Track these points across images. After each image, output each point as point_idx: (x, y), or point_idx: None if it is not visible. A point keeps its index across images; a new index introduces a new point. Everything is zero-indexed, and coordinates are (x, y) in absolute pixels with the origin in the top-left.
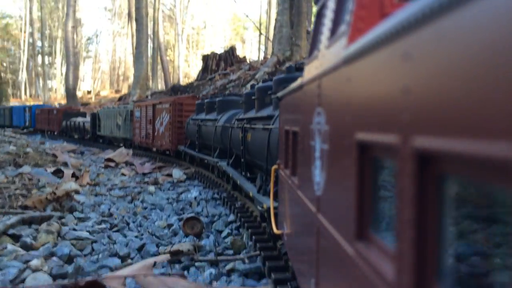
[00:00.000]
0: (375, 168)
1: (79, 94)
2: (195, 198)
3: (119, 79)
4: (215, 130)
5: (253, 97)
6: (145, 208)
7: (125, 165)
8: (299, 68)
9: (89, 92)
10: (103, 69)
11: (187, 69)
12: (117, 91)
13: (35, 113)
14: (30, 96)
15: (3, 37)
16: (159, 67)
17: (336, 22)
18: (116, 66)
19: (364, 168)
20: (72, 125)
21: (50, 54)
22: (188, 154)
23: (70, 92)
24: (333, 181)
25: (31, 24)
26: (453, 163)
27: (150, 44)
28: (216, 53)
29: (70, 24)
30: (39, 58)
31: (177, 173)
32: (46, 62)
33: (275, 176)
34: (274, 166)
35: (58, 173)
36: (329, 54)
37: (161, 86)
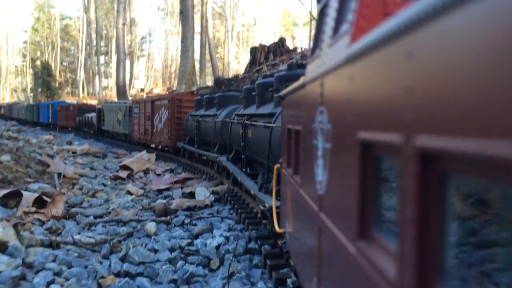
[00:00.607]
0: (377, 167)
1: (133, 92)
2: (218, 247)
3: (171, 77)
4: (214, 126)
5: (253, 93)
6: (121, 276)
7: (143, 174)
8: (301, 65)
9: (142, 90)
10: (156, 67)
11: (237, 66)
12: (168, 89)
13: (56, 109)
14: (88, 94)
15: (63, 38)
16: (209, 64)
17: (338, 21)
18: (168, 64)
19: (366, 167)
20: (84, 120)
21: (106, 53)
22: (188, 150)
23: (121, 89)
24: (335, 180)
25: (88, 24)
26: (456, 162)
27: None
28: (265, 45)
29: (120, 21)
30: (96, 57)
31: (202, 193)
32: (102, 61)
33: (277, 174)
34: (277, 165)
35: (14, 197)
36: (331, 53)
37: (211, 82)
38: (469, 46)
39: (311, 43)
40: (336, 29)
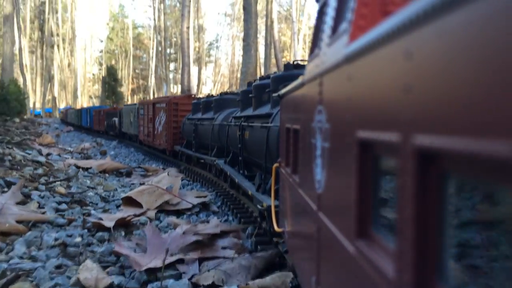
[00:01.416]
0: (376, 167)
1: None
2: None
3: (237, 82)
4: (212, 129)
5: (250, 95)
6: None
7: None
8: (297, 66)
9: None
10: (223, 73)
11: None
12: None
13: (92, 114)
14: None
15: (135, 46)
16: (274, 68)
17: (337, 20)
18: (234, 69)
19: (365, 167)
20: (110, 123)
21: (175, 60)
22: (185, 154)
23: (185, 93)
24: (334, 179)
25: (159, 32)
26: (454, 162)
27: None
28: None
29: (185, 24)
30: (165, 63)
31: None
32: (172, 67)
33: (275, 174)
34: (275, 164)
35: None
36: (330, 52)
37: None
38: (468, 45)
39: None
40: (335, 28)
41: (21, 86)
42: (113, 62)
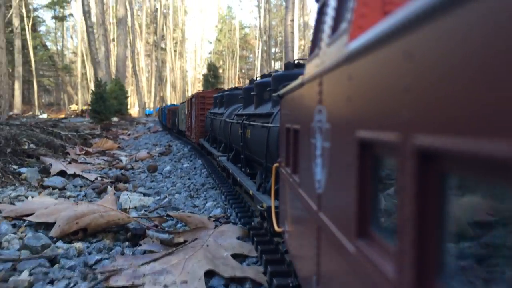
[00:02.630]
0: (376, 166)
1: None
2: None
3: None
4: (220, 124)
5: (252, 93)
6: None
7: None
8: (298, 65)
9: None
10: None
11: None
12: None
13: (166, 112)
14: None
15: (242, 46)
16: None
17: (337, 20)
18: None
19: (365, 166)
20: (172, 122)
21: (280, 59)
22: (205, 147)
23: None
24: (334, 179)
25: (264, 32)
26: (454, 162)
27: None
28: None
29: (289, 17)
30: (269, 62)
31: None
32: (278, 66)
33: (275, 174)
34: (275, 164)
35: None
36: (330, 52)
37: None
38: (468, 46)
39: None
40: (334, 28)
41: (123, 84)
42: (220, 62)
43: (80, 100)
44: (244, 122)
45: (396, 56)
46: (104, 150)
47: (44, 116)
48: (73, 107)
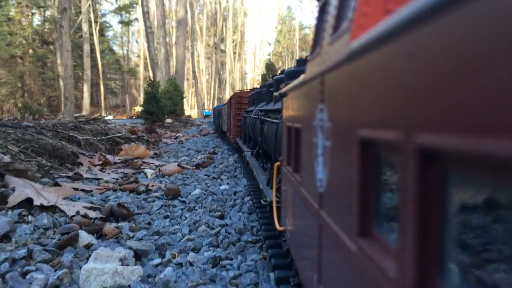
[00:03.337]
0: (378, 165)
1: None
2: None
3: None
4: (249, 121)
5: (271, 89)
6: None
7: None
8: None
9: None
10: None
11: None
12: None
13: (215, 113)
14: None
15: (301, 47)
16: None
17: (338, 19)
18: None
19: (366, 165)
20: (217, 123)
21: None
22: (240, 145)
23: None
24: (335, 178)
25: None
26: (456, 160)
27: None
28: None
29: None
30: None
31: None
32: None
33: (277, 172)
34: (277, 163)
35: None
36: (331, 51)
37: None
38: (470, 44)
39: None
40: (336, 27)
41: (179, 85)
42: (280, 64)
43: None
44: (262, 117)
45: (398, 55)
46: (133, 158)
47: (110, 117)
48: (137, 108)
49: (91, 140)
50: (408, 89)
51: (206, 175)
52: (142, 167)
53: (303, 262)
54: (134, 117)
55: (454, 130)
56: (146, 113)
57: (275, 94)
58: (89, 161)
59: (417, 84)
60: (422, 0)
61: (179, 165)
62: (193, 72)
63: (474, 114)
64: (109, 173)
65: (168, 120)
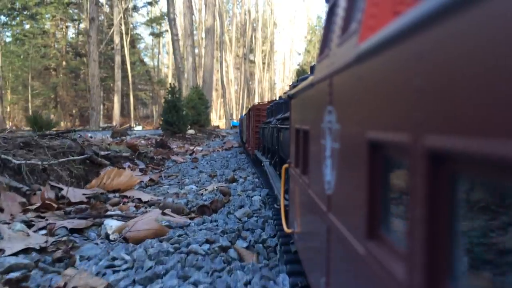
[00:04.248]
0: (386, 167)
1: None
2: None
3: None
4: (267, 132)
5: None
6: None
7: None
8: None
9: None
10: None
11: None
12: None
13: (239, 124)
14: None
15: None
16: None
17: (347, 20)
18: None
19: (375, 167)
20: (240, 133)
21: None
22: (258, 156)
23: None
24: (344, 180)
25: None
26: (466, 163)
27: None
28: None
29: None
30: None
31: None
32: None
33: (285, 174)
34: (285, 165)
35: None
36: (340, 52)
37: None
38: (482, 46)
39: (320, 43)
40: (344, 28)
41: (203, 93)
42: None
43: None
44: (278, 126)
45: (407, 57)
46: (111, 190)
47: (139, 128)
48: None
49: (45, 164)
50: (417, 91)
51: (208, 240)
52: (109, 211)
53: (310, 264)
54: (159, 128)
55: (464, 132)
56: (165, 123)
57: (283, 95)
58: (20, 203)
59: (427, 86)
60: (431, 1)
61: (160, 223)
62: (222, 82)
63: (484, 116)
64: (36, 231)
65: (191, 131)
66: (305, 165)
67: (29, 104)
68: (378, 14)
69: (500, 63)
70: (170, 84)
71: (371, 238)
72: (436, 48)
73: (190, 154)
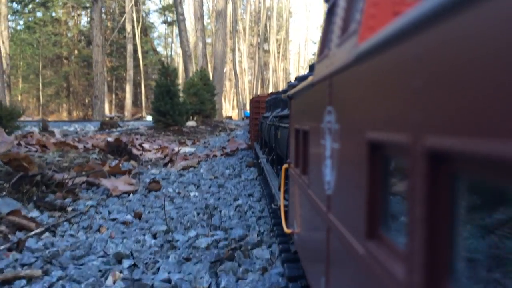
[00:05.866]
0: (386, 167)
1: None
2: None
3: None
4: (265, 127)
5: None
6: None
7: None
8: None
9: None
10: None
11: None
12: None
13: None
14: None
15: None
16: None
17: (346, 20)
18: None
19: (375, 167)
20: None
21: None
22: (257, 150)
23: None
24: (343, 180)
25: None
26: (466, 163)
27: None
28: None
29: None
30: None
31: None
32: None
33: (285, 174)
34: (285, 165)
35: None
36: (339, 52)
37: None
38: (481, 46)
39: (320, 43)
40: (344, 29)
41: (210, 78)
42: None
43: None
44: (276, 124)
45: (407, 57)
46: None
47: (149, 118)
48: None
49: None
50: (417, 91)
51: None
52: None
53: (310, 264)
54: None
55: (464, 133)
56: (156, 113)
57: (283, 96)
58: None
59: (426, 86)
60: (431, 2)
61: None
62: (234, 71)
63: (484, 117)
64: None
65: (191, 123)
66: (305, 165)
67: (40, 93)
68: (378, 14)
69: (500, 63)
70: (162, 62)
71: (371, 238)
72: (436, 49)
73: (165, 165)
